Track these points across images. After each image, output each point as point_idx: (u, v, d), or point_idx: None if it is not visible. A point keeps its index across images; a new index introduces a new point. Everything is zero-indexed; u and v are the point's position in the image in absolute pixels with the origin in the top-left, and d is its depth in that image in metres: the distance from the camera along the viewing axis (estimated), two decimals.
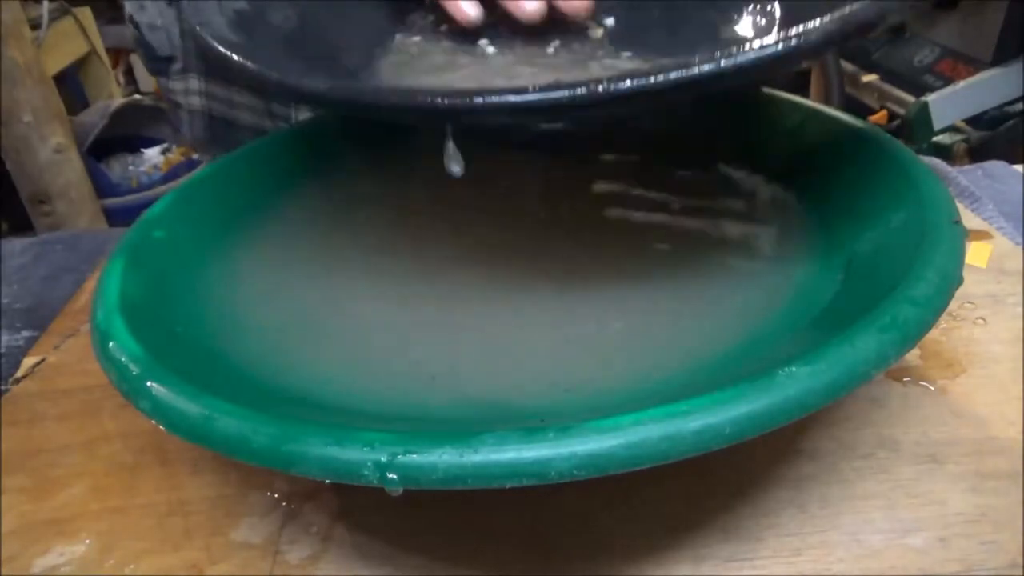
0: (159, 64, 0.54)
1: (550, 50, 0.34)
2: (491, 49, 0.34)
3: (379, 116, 0.31)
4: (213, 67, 0.51)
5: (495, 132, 0.39)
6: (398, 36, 0.36)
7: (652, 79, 0.21)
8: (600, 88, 0.22)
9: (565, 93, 0.22)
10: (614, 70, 0.23)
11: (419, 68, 0.34)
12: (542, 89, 0.22)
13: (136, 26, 0.54)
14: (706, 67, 0.21)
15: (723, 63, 0.21)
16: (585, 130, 0.41)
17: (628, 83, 0.21)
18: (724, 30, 0.34)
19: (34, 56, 1.23)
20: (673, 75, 0.21)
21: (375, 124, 0.43)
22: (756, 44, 0.21)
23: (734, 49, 0.21)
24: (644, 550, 0.23)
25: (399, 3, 0.37)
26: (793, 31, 0.22)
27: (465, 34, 0.34)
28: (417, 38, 0.36)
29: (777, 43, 0.21)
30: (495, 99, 0.23)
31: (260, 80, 0.28)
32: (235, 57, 0.28)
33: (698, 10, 0.35)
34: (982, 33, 0.98)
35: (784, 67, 0.23)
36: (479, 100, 0.23)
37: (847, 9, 0.22)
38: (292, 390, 0.25)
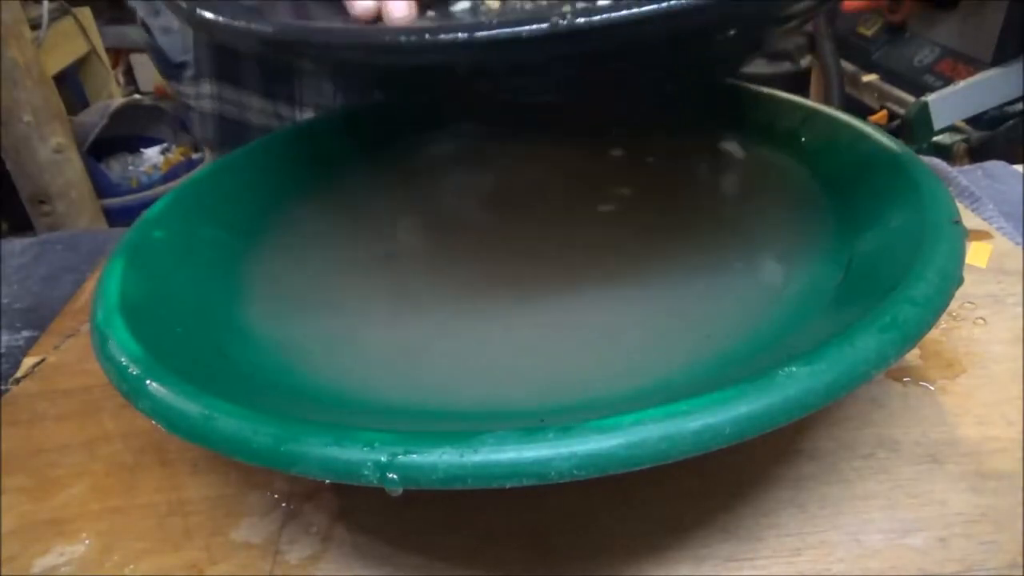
0: (172, 69, 0.55)
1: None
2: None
3: (326, 58, 0.30)
4: (224, 50, 0.51)
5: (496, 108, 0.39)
6: None
7: (619, 14, 0.21)
8: (563, 21, 0.21)
9: (510, 29, 0.21)
10: None
11: None
12: (498, 26, 0.21)
13: (148, 30, 0.54)
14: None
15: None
16: (587, 120, 0.41)
17: (583, 20, 0.21)
18: None
19: (34, 56, 1.23)
20: (644, 8, 0.21)
21: (376, 123, 0.43)
22: None
23: None
24: (644, 550, 0.23)
25: None
26: None
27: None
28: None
29: None
30: (441, 36, 0.22)
31: (211, 27, 0.27)
32: (193, 8, 0.28)
33: None
34: (982, 33, 0.98)
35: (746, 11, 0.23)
36: (423, 37, 0.22)
37: None
38: (292, 390, 0.25)
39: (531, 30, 0.21)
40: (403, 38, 0.23)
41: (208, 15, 0.27)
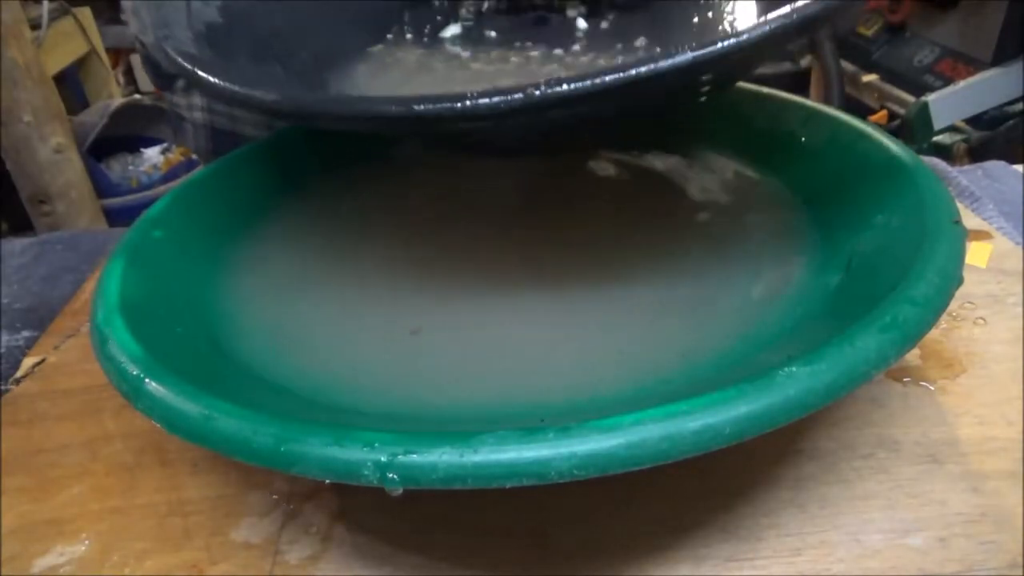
0: (164, 80, 0.55)
1: (515, 59, 0.34)
2: (466, 54, 0.34)
3: (330, 126, 0.32)
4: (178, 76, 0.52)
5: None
6: (376, 47, 0.36)
7: (590, 82, 0.21)
8: (538, 92, 0.22)
9: (508, 97, 0.22)
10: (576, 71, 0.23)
11: (391, 77, 0.34)
12: (484, 95, 0.22)
13: (142, 44, 0.54)
14: (643, 68, 0.21)
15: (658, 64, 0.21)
16: (582, 127, 0.41)
17: (567, 87, 0.21)
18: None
19: (34, 56, 1.23)
20: (609, 78, 0.21)
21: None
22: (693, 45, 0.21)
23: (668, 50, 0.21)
24: (644, 550, 0.23)
25: (376, 16, 0.38)
26: (733, 30, 0.21)
27: (439, 43, 0.35)
28: (391, 48, 0.36)
29: (716, 42, 0.21)
30: (443, 105, 0.23)
31: (210, 90, 0.28)
32: (194, 69, 0.29)
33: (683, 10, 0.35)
34: (982, 33, 0.98)
35: (732, 66, 0.23)
36: (424, 107, 0.23)
37: (795, 7, 0.22)
38: (292, 390, 0.25)
39: (511, 100, 0.22)
40: (392, 108, 0.24)
41: (211, 79, 0.28)
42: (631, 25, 0.37)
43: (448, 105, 0.22)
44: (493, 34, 0.37)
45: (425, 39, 0.37)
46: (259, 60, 0.33)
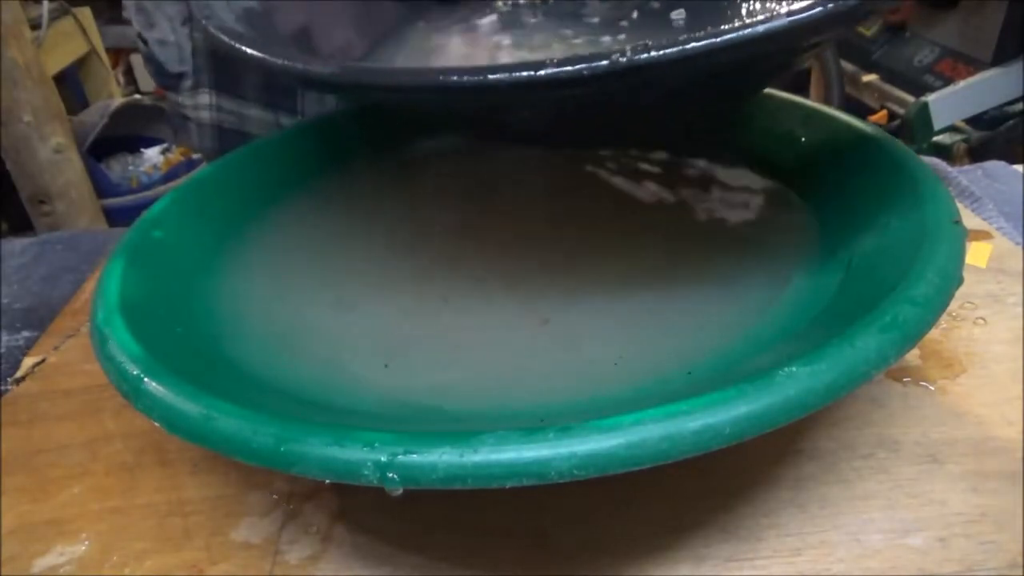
0: (169, 79, 0.55)
1: (556, 45, 0.34)
2: (507, 41, 0.34)
3: (382, 99, 0.31)
4: (223, 61, 0.51)
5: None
6: (412, 34, 0.36)
7: (645, 55, 0.21)
8: (607, 62, 0.21)
9: (572, 67, 0.21)
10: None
11: (432, 63, 0.34)
12: (560, 64, 0.21)
13: (145, 42, 0.54)
14: (670, 50, 0.21)
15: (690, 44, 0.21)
16: (587, 126, 0.41)
17: (627, 58, 0.21)
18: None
19: (34, 56, 1.23)
20: (661, 52, 0.21)
21: (375, 124, 0.43)
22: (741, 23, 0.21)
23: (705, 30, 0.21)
24: (644, 550, 0.23)
25: (410, 2, 0.38)
26: (776, 9, 0.21)
27: (476, 30, 0.35)
28: (429, 34, 0.36)
29: (765, 21, 0.21)
30: (510, 74, 0.22)
31: (268, 67, 0.28)
32: (242, 47, 0.28)
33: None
34: (982, 33, 0.98)
35: (783, 46, 0.22)
36: (494, 76, 0.22)
37: None
38: (292, 390, 0.25)
39: (593, 67, 0.21)
40: (465, 78, 0.23)
41: (266, 55, 0.27)
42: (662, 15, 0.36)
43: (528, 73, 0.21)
44: (532, 20, 0.37)
45: (462, 26, 0.36)
46: (297, 44, 0.33)
